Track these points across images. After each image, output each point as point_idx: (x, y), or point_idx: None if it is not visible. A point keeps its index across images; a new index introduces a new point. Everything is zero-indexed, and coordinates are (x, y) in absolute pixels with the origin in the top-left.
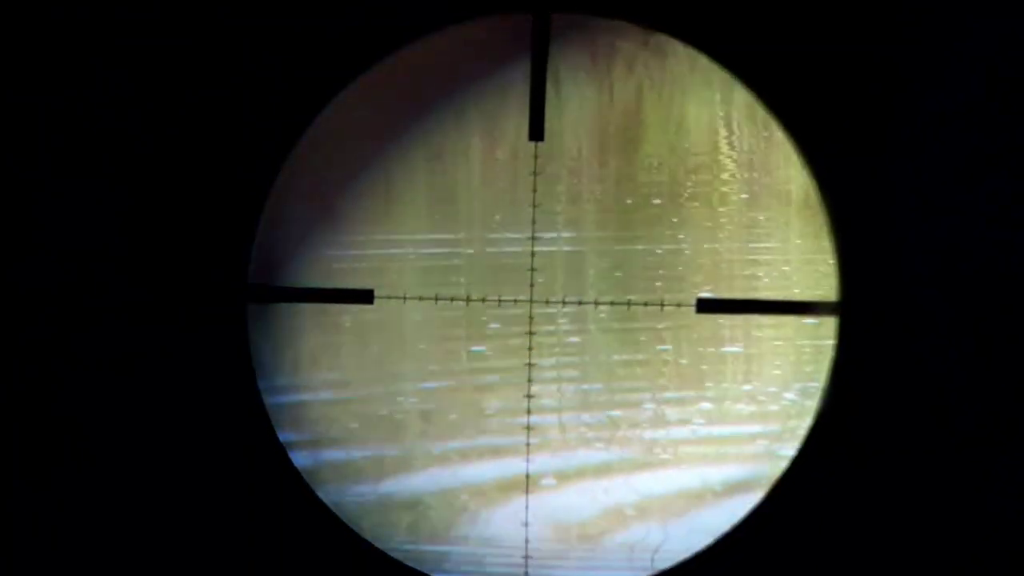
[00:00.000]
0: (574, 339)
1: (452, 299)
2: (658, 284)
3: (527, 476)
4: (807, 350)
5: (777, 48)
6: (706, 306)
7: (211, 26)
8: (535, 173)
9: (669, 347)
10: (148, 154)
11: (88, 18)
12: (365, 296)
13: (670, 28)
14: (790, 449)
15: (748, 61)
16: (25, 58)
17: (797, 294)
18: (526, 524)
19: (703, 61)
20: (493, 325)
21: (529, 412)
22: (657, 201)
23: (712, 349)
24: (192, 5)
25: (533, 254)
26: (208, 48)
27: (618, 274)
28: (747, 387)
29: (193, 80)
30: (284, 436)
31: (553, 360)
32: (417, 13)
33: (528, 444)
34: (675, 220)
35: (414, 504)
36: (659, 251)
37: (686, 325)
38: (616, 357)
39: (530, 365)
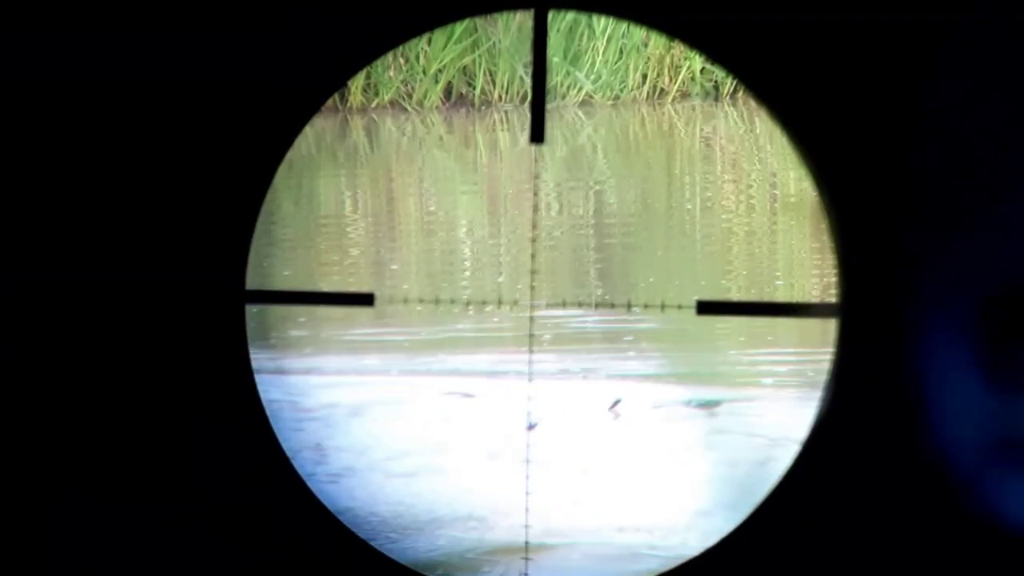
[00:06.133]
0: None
1: (452, 301)
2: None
3: (527, 478)
4: None
5: (778, 48)
6: (706, 308)
7: (210, 26)
8: (536, 176)
9: None
10: (146, 154)
11: (88, 18)
12: (366, 299)
13: (669, 27)
14: None
15: (749, 61)
16: (25, 57)
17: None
18: (526, 525)
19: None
20: (494, 326)
21: (529, 413)
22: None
23: None
24: (191, 5)
25: (533, 256)
26: (206, 48)
27: (620, 276)
28: None
29: (192, 81)
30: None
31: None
32: (416, 10)
33: (528, 445)
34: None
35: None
36: (659, 253)
37: None
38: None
39: (531, 365)
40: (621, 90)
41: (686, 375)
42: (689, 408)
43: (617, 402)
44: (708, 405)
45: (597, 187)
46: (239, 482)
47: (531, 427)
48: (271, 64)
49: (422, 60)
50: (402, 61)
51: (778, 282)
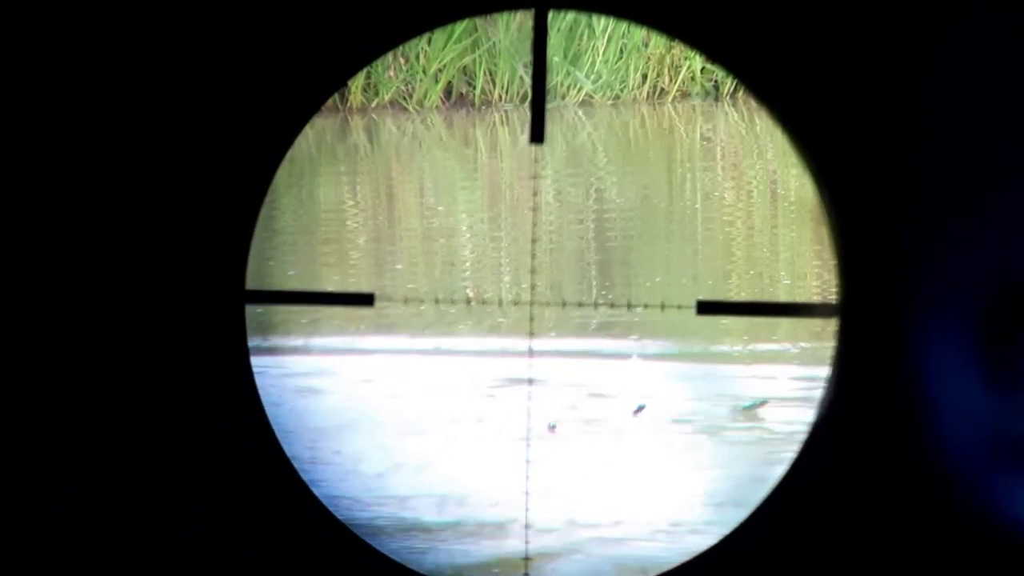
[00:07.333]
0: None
1: (452, 301)
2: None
3: (527, 479)
4: None
5: (778, 48)
6: (706, 308)
7: (210, 26)
8: (535, 176)
9: None
10: (146, 154)
11: (88, 18)
12: (366, 299)
13: (669, 27)
14: None
15: (749, 61)
16: (25, 58)
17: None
18: (526, 525)
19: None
20: (494, 326)
21: (529, 414)
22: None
23: None
24: (191, 5)
25: (533, 256)
26: (206, 48)
27: (620, 275)
28: None
29: (192, 81)
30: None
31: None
32: (416, 10)
33: (528, 445)
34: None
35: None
36: (660, 253)
37: None
38: None
39: (531, 365)
40: (621, 90)
41: (688, 375)
42: (736, 412)
43: (641, 407)
44: (755, 406)
45: (597, 187)
46: (239, 482)
47: (552, 428)
48: (271, 64)
49: (422, 60)
50: (402, 61)
51: (785, 281)
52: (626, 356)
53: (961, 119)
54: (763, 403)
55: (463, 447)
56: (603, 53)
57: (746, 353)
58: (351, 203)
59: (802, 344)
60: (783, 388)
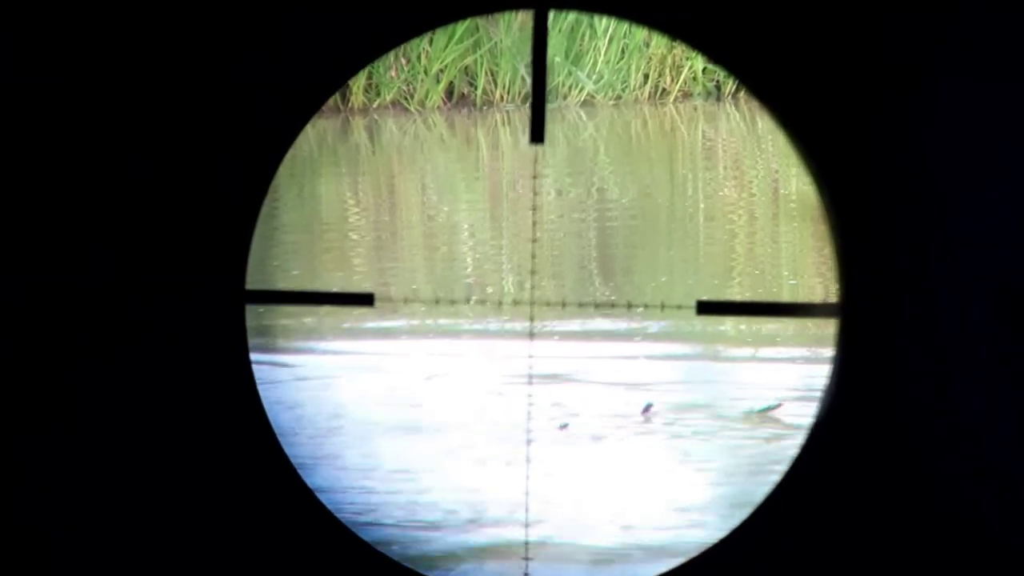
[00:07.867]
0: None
1: (452, 301)
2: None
3: (527, 478)
4: None
5: (779, 48)
6: (706, 308)
7: (209, 26)
8: (535, 176)
9: None
10: (147, 154)
11: (88, 18)
12: (366, 299)
13: (669, 28)
14: None
15: (749, 62)
16: (26, 57)
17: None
18: (526, 525)
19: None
20: (494, 326)
21: (529, 415)
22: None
23: None
24: (192, 5)
25: (534, 256)
26: (207, 48)
27: (620, 275)
28: None
29: (191, 81)
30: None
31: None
32: (417, 10)
33: (528, 444)
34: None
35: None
36: (661, 253)
37: None
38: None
39: (530, 362)
40: (623, 90)
41: (692, 367)
42: (751, 416)
43: (649, 406)
44: (768, 409)
45: (598, 187)
46: (239, 482)
47: (563, 427)
48: (271, 64)
49: (423, 60)
50: (403, 61)
51: (791, 282)
52: (629, 353)
53: (961, 119)
54: (777, 406)
55: (463, 447)
56: (605, 53)
57: (750, 337)
58: (352, 203)
59: (807, 329)
60: (788, 380)
